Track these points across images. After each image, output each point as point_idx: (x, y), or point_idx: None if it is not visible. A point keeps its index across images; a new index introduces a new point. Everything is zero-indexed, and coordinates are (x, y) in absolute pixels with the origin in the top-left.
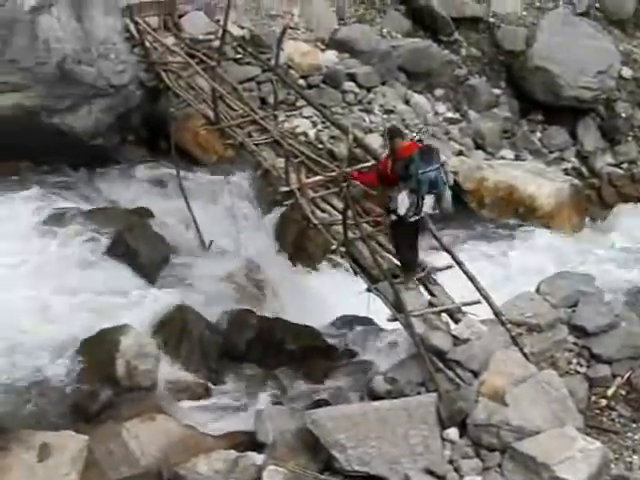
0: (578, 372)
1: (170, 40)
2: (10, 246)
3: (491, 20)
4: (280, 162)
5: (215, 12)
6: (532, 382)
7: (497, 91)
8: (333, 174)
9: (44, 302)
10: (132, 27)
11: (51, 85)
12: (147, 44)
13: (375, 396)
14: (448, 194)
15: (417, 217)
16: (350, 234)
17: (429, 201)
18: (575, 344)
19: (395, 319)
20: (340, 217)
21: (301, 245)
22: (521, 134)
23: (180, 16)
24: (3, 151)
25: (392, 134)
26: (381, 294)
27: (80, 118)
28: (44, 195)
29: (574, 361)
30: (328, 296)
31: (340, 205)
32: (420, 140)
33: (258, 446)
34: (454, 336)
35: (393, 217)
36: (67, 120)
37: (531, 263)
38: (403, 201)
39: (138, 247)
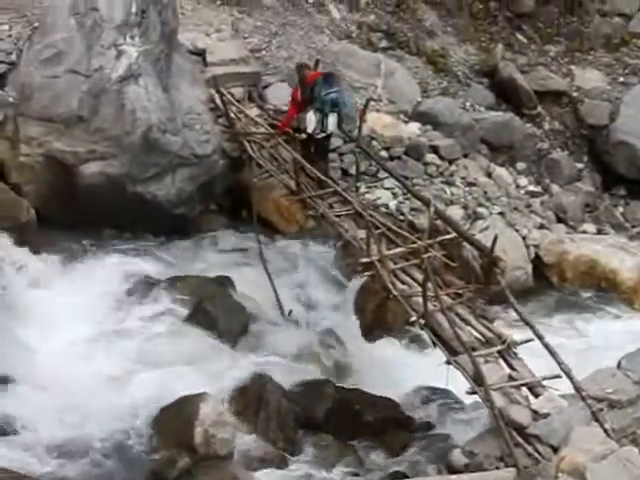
0: None
1: (254, 111)
2: (91, 313)
3: (574, 94)
4: (361, 233)
5: None
6: (613, 459)
7: (579, 165)
8: (414, 246)
9: (124, 369)
10: (217, 98)
11: (136, 154)
12: (231, 115)
13: (453, 469)
14: (348, 113)
15: (324, 134)
16: (430, 306)
17: (332, 119)
18: None
19: (474, 392)
20: (420, 289)
21: (380, 316)
22: (604, 208)
23: (264, 87)
24: (88, 218)
25: (300, 67)
26: (460, 367)
27: (164, 187)
28: (126, 263)
29: None
30: (407, 367)
31: (420, 277)
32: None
33: None
34: (534, 410)
35: (303, 135)
36: (151, 188)
37: (612, 338)
38: (310, 120)
39: (218, 315)
